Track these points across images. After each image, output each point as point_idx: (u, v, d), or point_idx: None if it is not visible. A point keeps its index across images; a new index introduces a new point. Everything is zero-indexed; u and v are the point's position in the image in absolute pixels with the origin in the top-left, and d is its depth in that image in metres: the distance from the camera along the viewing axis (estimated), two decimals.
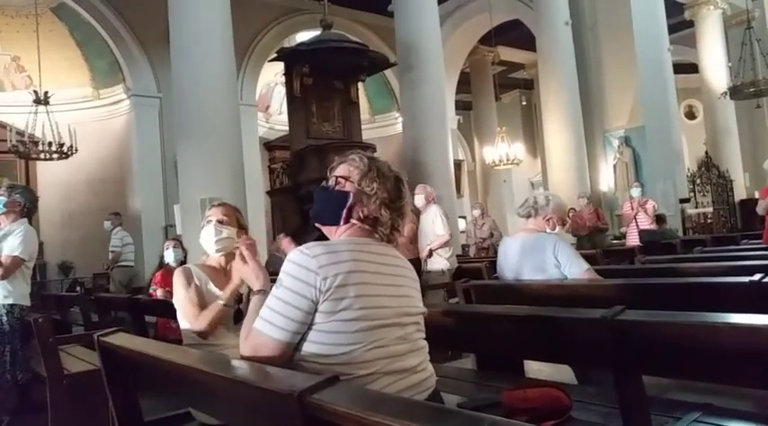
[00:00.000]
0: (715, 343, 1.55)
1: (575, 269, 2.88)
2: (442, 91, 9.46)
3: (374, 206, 1.47)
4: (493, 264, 5.18)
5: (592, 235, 8.11)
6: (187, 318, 2.14)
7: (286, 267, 1.39)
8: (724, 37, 13.41)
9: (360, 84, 9.62)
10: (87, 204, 10.41)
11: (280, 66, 9.31)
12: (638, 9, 10.80)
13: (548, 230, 3.07)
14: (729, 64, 13.01)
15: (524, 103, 18.81)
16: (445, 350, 3.13)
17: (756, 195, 5.66)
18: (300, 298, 1.33)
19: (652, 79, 10.95)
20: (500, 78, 16.54)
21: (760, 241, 5.15)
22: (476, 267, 5.13)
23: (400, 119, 10.79)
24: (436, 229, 5.62)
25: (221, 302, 2.10)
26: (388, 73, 12.20)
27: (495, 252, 8.42)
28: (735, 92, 12.02)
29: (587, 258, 3.60)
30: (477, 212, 8.73)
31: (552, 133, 10.73)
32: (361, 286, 1.35)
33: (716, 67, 13.33)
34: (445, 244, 5.67)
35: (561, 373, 3.07)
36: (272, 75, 12.50)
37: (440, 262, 5.67)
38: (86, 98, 10.87)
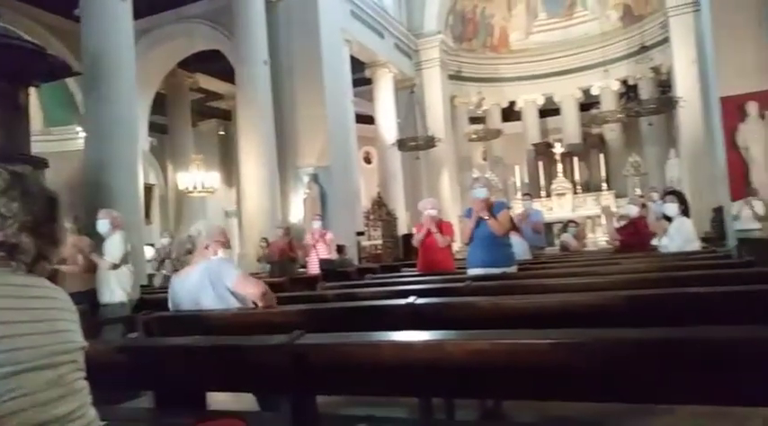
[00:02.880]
0: (378, 359, 1.75)
1: (229, 281, 2.98)
2: (133, 109, 8.79)
3: (11, 230, 1.26)
4: None
5: (283, 263, 8.46)
6: None
7: None
8: (395, 96, 15.74)
9: (33, 90, 8.28)
10: None
11: None
12: (328, 61, 11.92)
13: (212, 257, 3.12)
14: (398, 120, 15.34)
15: (222, 133, 18.80)
16: (122, 389, 2.85)
17: (413, 230, 6.77)
18: None
19: (338, 124, 12.15)
20: (198, 105, 16.25)
21: (415, 269, 6.08)
22: (161, 298, 4.83)
23: (83, 134, 9.64)
24: (107, 255, 5.15)
25: None
26: (72, 82, 10.86)
27: None
28: (401, 144, 14.22)
29: (275, 286, 3.74)
30: (165, 240, 8.29)
31: (248, 165, 10.95)
32: None
33: (388, 121, 15.51)
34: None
35: (245, 402, 3.08)
36: None
37: (119, 294, 5.19)
38: None
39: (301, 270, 8.08)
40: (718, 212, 11.39)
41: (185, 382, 2.09)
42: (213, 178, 12.67)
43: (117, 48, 8.48)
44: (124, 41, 8.67)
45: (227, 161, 18.18)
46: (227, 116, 17.87)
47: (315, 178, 11.65)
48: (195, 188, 12.26)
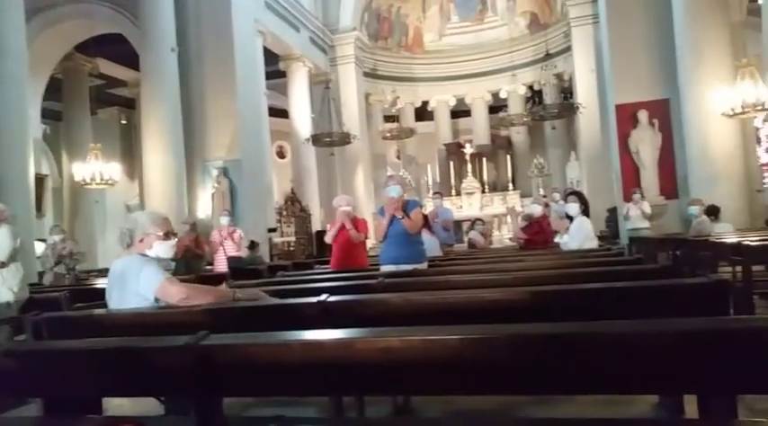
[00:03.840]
0: (288, 359, 1.72)
1: (148, 288, 2.66)
2: (23, 93, 8.13)
3: None
4: (73, 293, 4.67)
5: (189, 260, 8.13)
6: None
7: None
8: (309, 91, 15.58)
9: None
10: None
11: None
12: (240, 51, 11.58)
13: (147, 251, 2.78)
14: (313, 115, 15.20)
15: (124, 122, 17.79)
16: (8, 396, 2.62)
17: (327, 227, 6.73)
18: None
19: (249, 117, 11.83)
20: (98, 92, 15.25)
21: (329, 266, 6.05)
22: (52, 297, 4.51)
23: None
24: None
25: None
26: None
27: (77, 280, 7.66)
28: (315, 139, 14.09)
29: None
30: (57, 236, 7.74)
31: (152, 157, 10.43)
32: None
33: (302, 116, 15.33)
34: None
35: (146, 406, 2.93)
36: None
37: (5, 294, 4.78)
38: None
39: (209, 267, 7.81)
40: (613, 212, 12.23)
41: (79, 387, 1.96)
42: (113, 169, 11.91)
43: (6, 27, 7.81)
44: (13, 20, 7.99)
45: (130, 152, 17.24)
46: (130, 104, 16.92)
47: (224, 172, 11.29)
48: (93, 180, 11.48)
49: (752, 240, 4.94)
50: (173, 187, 10.29)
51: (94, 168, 11.45)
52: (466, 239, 10.94)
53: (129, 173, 16.73)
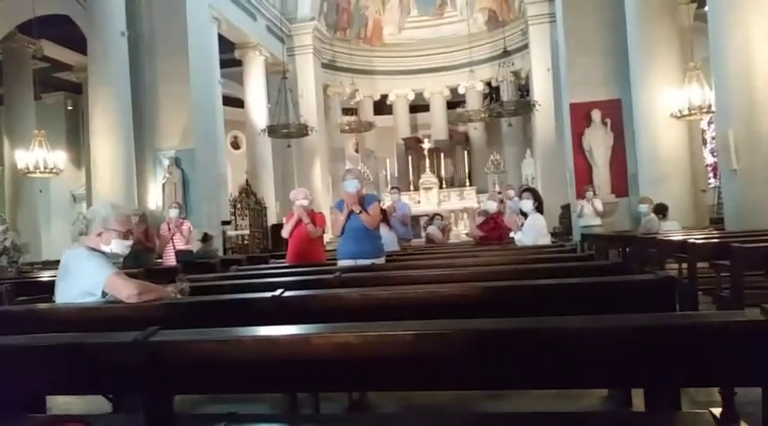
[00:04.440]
0: (241, 355, 1.68)
1: (92, 283, 2.55)
2: None
3: None
4: (16, 286, 4.47)
5: (138, 253, 7.87)
6: None
7: None
8: (266, 80, 15.33)
9: None
10: None
11: None
12: (194, 37, 11.29)
13: (103, 247, 2.65)
14: (269, 105, 14.97)
15: (70, 108, 17.13)
16: None
17: (284, 220, 6.61)
18: None
19: (203, 106, 11.56)
20: (43, 75, 14.62)
21: (284, 260, 5.97)
22: None
23: None
24: None
25: None
26: None
27: (20, 273, 7.33)
28: (272, 130, 13.88)
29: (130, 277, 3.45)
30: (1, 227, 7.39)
31: (100, 145, 10.05)
32: None
33: (258, 106, 15.08)
34: None
35: (94, 404, 2.85)
36: None
37: None
38: None
39: (159, 260, 7.59)
40: (566, 209, 12.54)
41: (21, 385, 1.87)
42: (59, 157, 11.42)
43: None
44: None
45: (76, 139, 16.61)
46: (76, 89, 16.28)
47: (176, 162, 11.00)
48: (37, 168, 10.98)
49: (697, 238, 5.14)
50: (121, 176, 9.96)
51: (38, 156, 10.94)
52: (423, 234, 11.02)
53: (75, 161, 16.12)
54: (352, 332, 1.64)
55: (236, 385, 1.78)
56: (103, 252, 2.66)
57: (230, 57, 14.56)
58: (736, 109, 6.54)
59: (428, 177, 18.58)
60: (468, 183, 18.76)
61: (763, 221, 6.13)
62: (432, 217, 11.30)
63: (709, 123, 13.48)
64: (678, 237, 5.65)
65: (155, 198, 11.03)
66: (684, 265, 4.82)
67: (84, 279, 2.57)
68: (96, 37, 10.09)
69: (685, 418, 1.82)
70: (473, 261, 4.43)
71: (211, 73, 12.31)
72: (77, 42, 11.50)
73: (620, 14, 10.50)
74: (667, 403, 1.94)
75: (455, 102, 19.65)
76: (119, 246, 2.69)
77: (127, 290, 2.50)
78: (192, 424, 2.05)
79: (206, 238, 8.24)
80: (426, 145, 18.85)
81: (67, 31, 11.73)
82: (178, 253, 7.44)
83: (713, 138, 12.50)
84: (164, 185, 10.95)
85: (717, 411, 1.60)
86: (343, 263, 4.70)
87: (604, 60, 11.24)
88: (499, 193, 10.37)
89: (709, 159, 14.37)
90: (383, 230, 5.60)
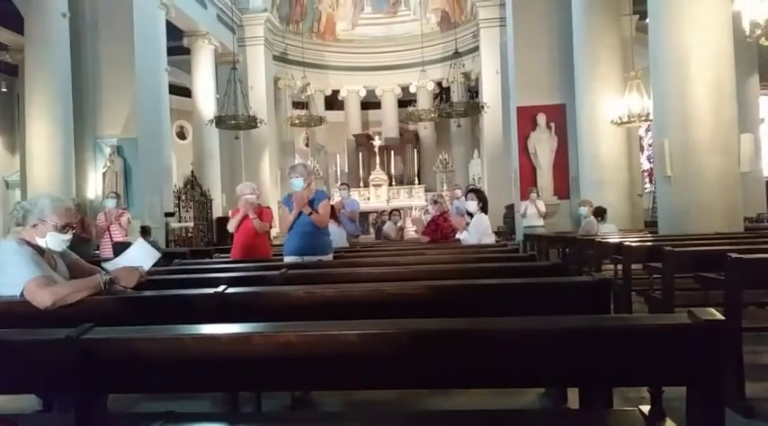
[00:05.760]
0: (180, 354, 1.64)
1: (19, 281, 2.36)
2: None
3: None
4: None
5: (74, 244, 7.54)
6: None
7: None
8: (215, 70, 14.99)
9: None
10: None
11: None
12: (140, 22, 10.91)
13: (38, 240, 2.52)
14: (217, 95, 14.64)
15: (5, 90, 16.24)
16: None
17: (230, 214, 6.48)
18: None
19: (148, 94, 11.19)
20: None
21: (229, 255, 5.86)
22: None
23: None
24: None
25: None
26: None
27: None
28: (219, 121, 13.58)
29: None
30: None
31: (37, 130, 9.58)
32: None
33: (206, 96, 14.73)
34: None
35: (23, 402, 2.74)
36: None
37: None
38: None
39: (96, 252, 7.31)
40: (510, 209, 12.83)
41: None
42: None
43: None
44: None
45: (11, 123, 15.79)
46: (12, 71, 15.44)
47: (118, 150, 10.61)
48: None
49: (632, 241, 5.36)
50: (59, 163, 9.52)
51: None
52: (373, 231, 11.06)
53: (8, 146, 15.35)
54: (294, 331, 1.62)
55: (175, 384, 1.73)
56: (38, 246, 2.54)
57: (178, 44, 14.16)
58: (672, 118, 6.84)
59: (378, 174, 18.64)
60: (417, 181, 18.93)
61: (694, 226, 6.45)
62: (390, 213, 11.34)
63: (647, 131, 14.07)
64: (614, 240, 5.87)
65: (94, 187, 10.62)
66: (620, 266, 5.02)
67: (10, 276, 2.43)
68: (35, 17, 9.60)
69: (616, 415, 1.90)
70: (418, 259, 4.48)
71: (158, 60, 11.93)
72: (13, 21, 10.91)
73: (568, 22, 10.82)
74: (601, 400, 2.02)
75: (406, 101, 19.78)
76: (54, 240, 2.56)
77: (40, 300, 2.32)
78: (127, 423, 1.99)
79: (144, 231, 7.99)
80: (377, 142, 18.91)
81: (2, 9, 11.11)
82: (115, 246, 7.18)
83: (650, 145, 13.06)
84: (104, 174, 10.54)
85: (646, 408, 1.67)
86: (289, 260, 4.66)
87: (551, 66, 11.56)
88: (440, 196, 10.50)
89: (646, 165, 14.99)
90: (332, 226, 5.58)
